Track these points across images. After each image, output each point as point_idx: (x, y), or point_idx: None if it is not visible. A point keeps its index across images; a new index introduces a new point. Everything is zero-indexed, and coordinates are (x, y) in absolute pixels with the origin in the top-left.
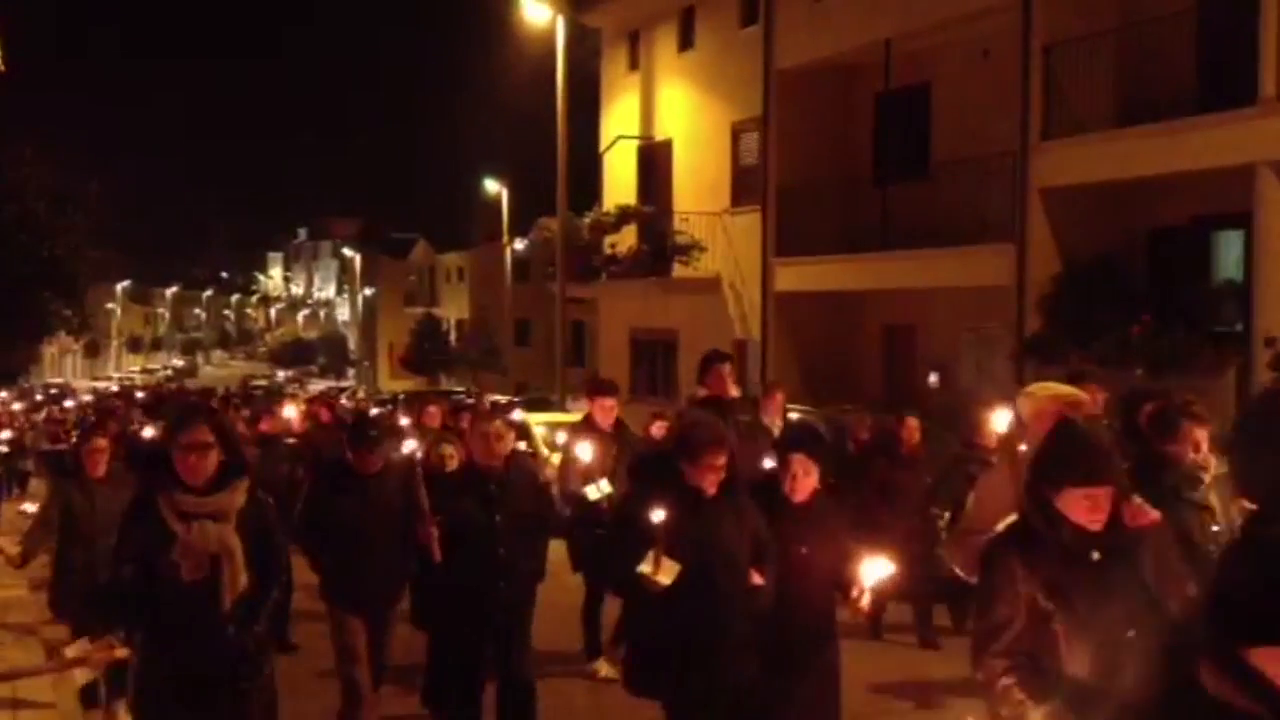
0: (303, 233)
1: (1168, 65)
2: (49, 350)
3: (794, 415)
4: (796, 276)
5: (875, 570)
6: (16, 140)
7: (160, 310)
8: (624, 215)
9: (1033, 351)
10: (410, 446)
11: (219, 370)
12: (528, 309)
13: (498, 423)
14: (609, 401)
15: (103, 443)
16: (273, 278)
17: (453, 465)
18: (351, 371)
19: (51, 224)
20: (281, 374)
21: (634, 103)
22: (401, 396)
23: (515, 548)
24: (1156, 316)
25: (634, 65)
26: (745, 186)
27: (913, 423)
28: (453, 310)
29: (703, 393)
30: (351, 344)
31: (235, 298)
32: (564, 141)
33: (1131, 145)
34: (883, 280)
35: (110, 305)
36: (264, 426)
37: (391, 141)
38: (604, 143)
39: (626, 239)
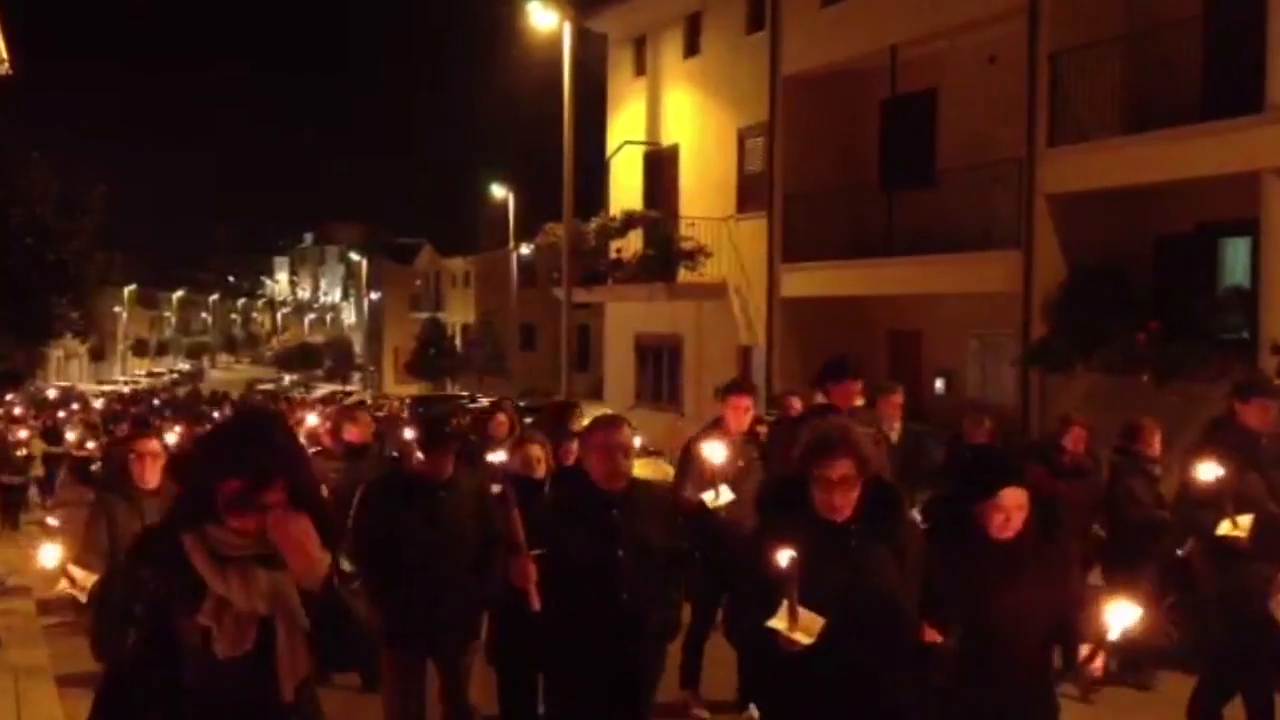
0: (309, 237)
1: (1175, 72)
2: (55, 354)
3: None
4: (802, 282)
5: (1121, 617)
6: (23, 143)
7: (166, 314)
8: (630, 220)
9: (1039, 358)
10: (499, 458)
11: (225, 374)
12: (533, 313)
13: (626, 430)
14: (744, 401)
15: (155, 445)
16: (279, 282)
17: (540, 471)
18: (357, 376)
19: (58, 227)
20: (287, 378)
21: (640, 108)
22: (408, 401)
23: (642, 593)
24: (1163, 324)
25: (640, 71)
26: (751, 192)
27: (1080, 430)
28: (458, 315)
29: (819, 399)
30: (357, 348)
31: (241, 302)
32: (570, 147)
33: (1138, 152)
34: (889, 286)
35: (116, 309)
36: (350, 436)
37: (397, 146)
38: (610, 148)
39: (632, 244)
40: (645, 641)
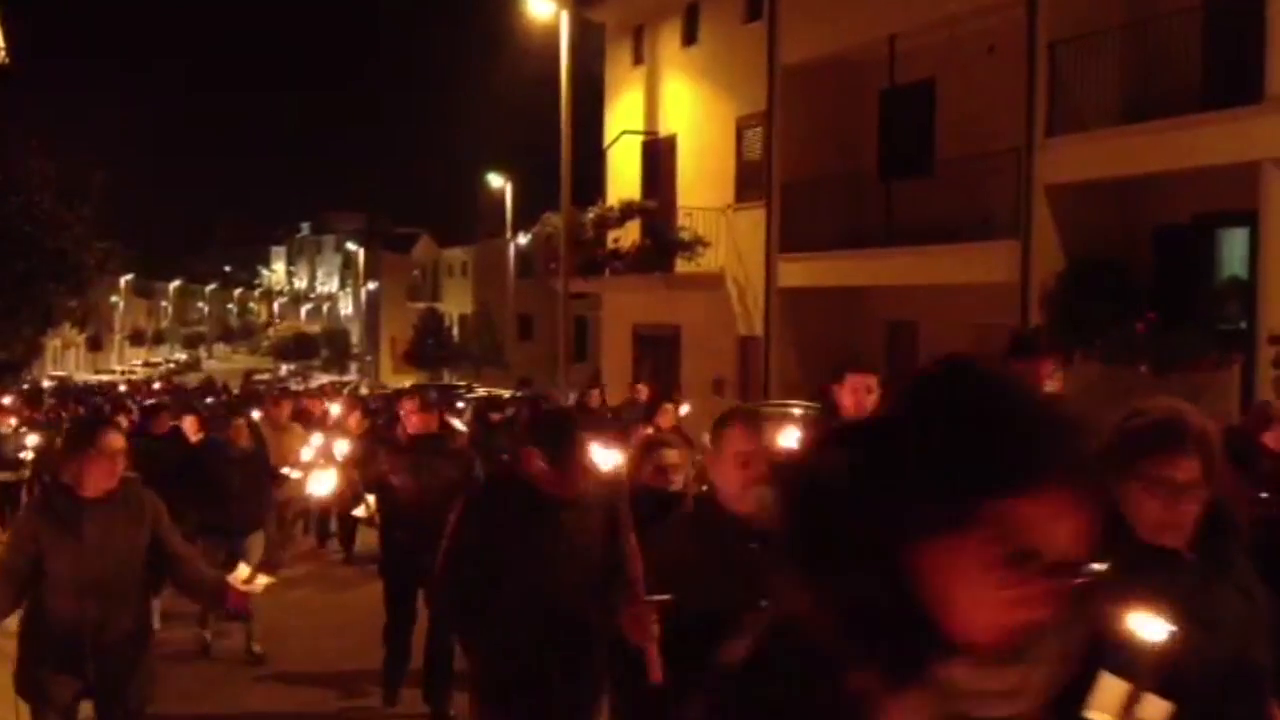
0: (306, 227)
1: (1174, 62)
2: (51, 344)
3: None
4: (800, 272)
5: None
6: (21, 133)
7: (163, 304)
8: (628, 210)
9: None
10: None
11: (221, 364)
12: (531, 304)
13: (766, 432)
14: (869, 380)
15: (118, 442)
16: (275, 272)
17: (677, 484)
18: (354, 366)
19: (56, 216)
20: (284, 368)
21: (638, 98)
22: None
23: None
24: (1161, 314)
25: (638, 60)
26: (749, 182)
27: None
28: (455, 305)
29: None
30: (354, 338)
31: (238, 292)
32: (568, 136)
33: (1137, 142)
34: (886, 276)
35: (114, 299)
36: (412, 426)
37: (395, 136)
38: (608, 138)
39: (630, 234)
40: None
